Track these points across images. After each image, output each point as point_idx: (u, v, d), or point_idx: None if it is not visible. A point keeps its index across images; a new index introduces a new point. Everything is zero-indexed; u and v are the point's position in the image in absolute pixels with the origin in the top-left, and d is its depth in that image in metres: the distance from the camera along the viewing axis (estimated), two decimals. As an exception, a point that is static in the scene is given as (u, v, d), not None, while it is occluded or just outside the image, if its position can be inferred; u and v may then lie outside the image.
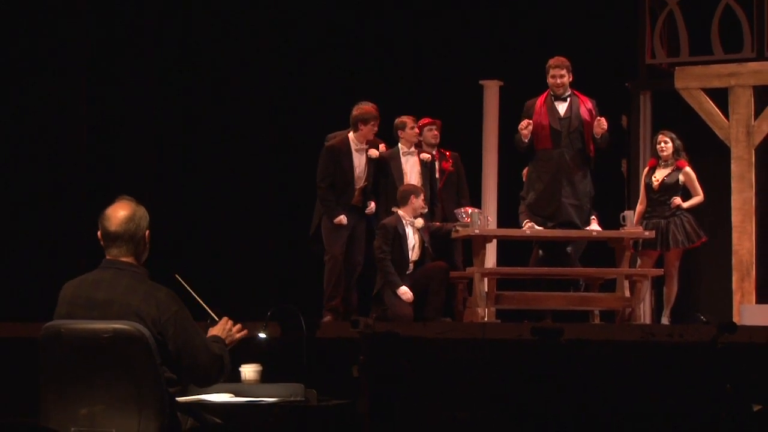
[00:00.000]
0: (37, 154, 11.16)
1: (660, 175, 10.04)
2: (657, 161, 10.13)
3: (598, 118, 9.42)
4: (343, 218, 9.38)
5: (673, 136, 10.13)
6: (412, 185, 9.43)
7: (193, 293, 5.00)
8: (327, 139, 9.67)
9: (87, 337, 4.35)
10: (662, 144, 10.07)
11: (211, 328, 4.80)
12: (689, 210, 10.00)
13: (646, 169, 10.28)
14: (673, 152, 10.04)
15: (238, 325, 4.85)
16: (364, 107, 9.55)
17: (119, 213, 4.56)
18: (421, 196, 9.30)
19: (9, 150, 11.03)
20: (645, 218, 10.01)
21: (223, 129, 11.85)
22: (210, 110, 11.84)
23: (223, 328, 4.79)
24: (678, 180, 9.99)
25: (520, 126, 9.47)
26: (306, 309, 9.14)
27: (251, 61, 12.04)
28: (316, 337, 7.35)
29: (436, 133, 10.05)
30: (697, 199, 10.01)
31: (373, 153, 9.58)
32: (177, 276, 5.03)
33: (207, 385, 4.82)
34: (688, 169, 10.04)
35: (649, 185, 10.07)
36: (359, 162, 9.53)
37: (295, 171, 11.14)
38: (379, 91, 10.44)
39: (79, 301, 4.46)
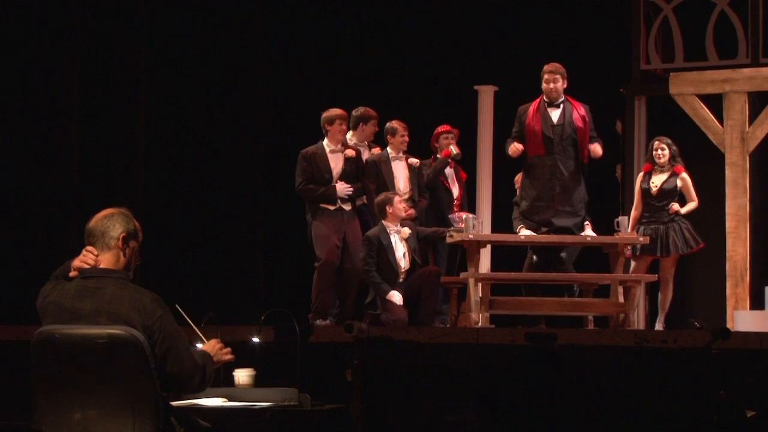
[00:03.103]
0: (29, 158, 11.15)
1: (658, 180, 10.06)
2: (652, 166, 10.13)
3: (594, 146, 9.43)
4: (341, 184, 9.37)
5: (670, 142, 10.14)
6: (383, 195, 9.41)
7: (189, 321, 4.97)
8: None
9: (81, 342, 4.33)
10: (659, 150, 10.08)
11: (201, 346, 4.79)
12: (686, 216, 10.02)
13: (641, 174, 10.28)
14: (669, 158, 10.06)
15: (227, 349, 4.82)
16: (329, 110, 9.59)
17: (101, 213, 4.60)
18: (396, 200, 9.28)
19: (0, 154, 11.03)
20: (642, 223, 10.02)
21: (216, 134, 11.84)
22: (204, 116, 11.83)
23: (212, 347, 4.77)
24: (676, 186, 10.01)
25: (510, 150, 9.49)
26: (299, 313, 9.16)
27: (243, 67, 12.04)
28: (310, 342, 7.34)
29: (451, 141, 10.17)
30: (693, 204, 10.04)
31: (350, 153, 9.58)
32: (178, 307, 5.00)
33: (188, 393, 4.83)
34: (684, 174, 10.06)
35: (646, 191, 10.07)
36: (335, 164, 9.53)
37: (288, 175, 11.11)
38: (374, 96, 10.45)
39: (65, 315, 4.43)
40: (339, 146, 9.54)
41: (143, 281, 4.72)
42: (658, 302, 10.20)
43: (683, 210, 9.99)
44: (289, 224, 10.27)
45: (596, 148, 9.49)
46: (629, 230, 9.75)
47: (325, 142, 9.54)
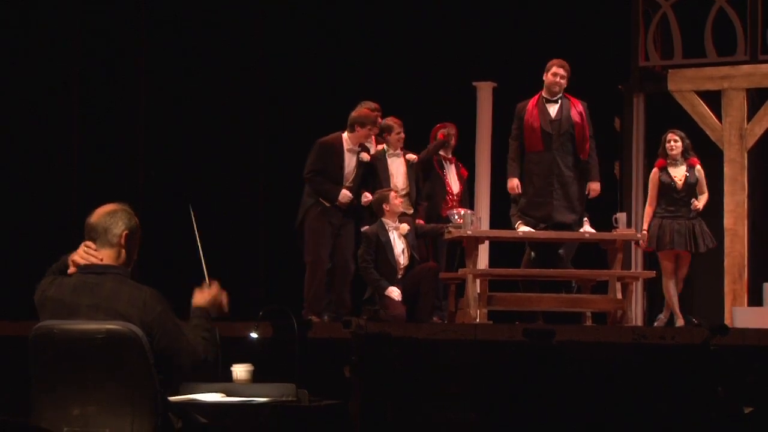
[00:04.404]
0: (29, 156, 11.16)
1: (679, 173, 9.89)
2: (666, 161, 9.96)
3: (594, 186, 9.49)
4: (346, 192, 9.34)
5: (683, 135, 10.01)
6: (378, 193, 9.41)
7: (198, 244, 4.87)
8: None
9: (80, 337, 4.32)
10: (672, 142, 9.91)
11: (197, 293, 4.65)
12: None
13: (656, 170, 10.06)
14: (683, 151, 9.91)
15: (224, 296, 4.67)
16: (364, 110, 9.55)
17: (103, 208, 4.55)
18: (391, 196, 9.30)
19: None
20: (665, 218, 9.84)
21: (216, 132, 11.83)
22: (203, 115, 11.82)
23: (208, 298, 4.62)
24: (697, 179, 9.90)
25: (509, 187, 9.51)
26: (298, 309, 9.15)
27: (243, 67, 12.03)
28: (308, 337, 7.34)
29: (450, 130, 10.19)
30: (706, 197, 9.94)
31: (365, 156, 9.57)
32: (191, 209, 4.94)
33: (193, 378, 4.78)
34: (699, 167, 9.92)
35: (669, 185, 9.86)
36: (350, 162, 9.51)
37: (288, 169, 11.13)
38: (372, 92, 10.43)
39: (63, 310, 4.41)
40: (357, 147, 9.52)
41: (142, 278, 4.70)
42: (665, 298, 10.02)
43: (701, 206, 9.86)
44: (288, 221, 10.24)
45: (596, 187, 9.55)
46: (645, 225, 9.71)
47: (345, 137, 9.49)
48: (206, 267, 4.77)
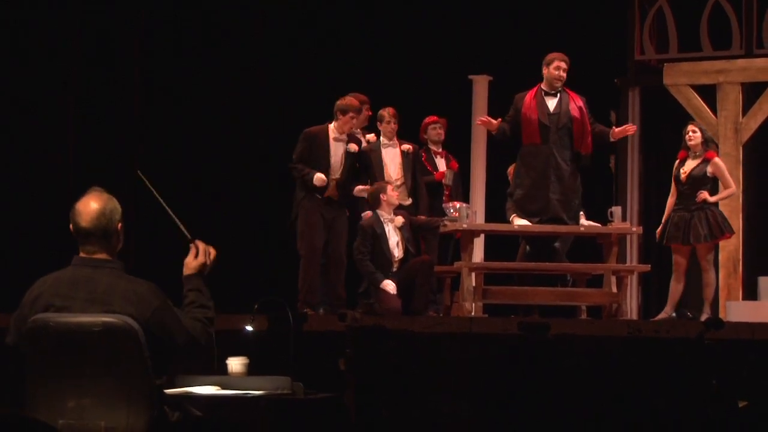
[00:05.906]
0: (25, 152, 11.16)
1: (688, 166, 9.69)
2: (687, 153, 9.81)
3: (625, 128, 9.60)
4: (321, 176, 9.31)
5: (703, 127, 9.89)
6: (376, 184, 9.40)
7: (161, 201, 4.75)
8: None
9: (76, 330, 4.32)
10: (690, 133, 9.66)
11: (186, 262, 4.61)
12: (717, 203, 9.76)
13: (677, 161, 9.96)
14: (701, 142, 9.71)
15: (212, 251, 4.63)
16: (347, 98, 9.55)
17: (90, 208, 4.46)
18: (389, 188, 9.28)
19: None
20: (674, 210, 9.74)
21: (212, 126, 11.83)
22: (200, 109, 11.81)
23: (197, 264, 4.59)
24: (706, 172, 9.68)
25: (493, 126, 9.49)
26: (293, 302, 9.16)
27: (241, 65, 12.03)
28: (304, 330, 7.35)
29: (440, 131, 10.20)
30: (728, 191, 9.65)
31: (353, 147, 9.56)
32: (139, 174, 4.87)
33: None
34: (717, 159, 9.62)
35: (677, 177, 9.77)
36: (335, 152, 9.48)
37: (285, 165, 11.14)
38: (368, 85, 10.44)
39: (57, 302, 4.41)
40: (343, 136, 9.52)
41: (140, 270, 4.70)
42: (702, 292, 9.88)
43: (713, 198, 9.61)
44: (283, 214, 10.26)
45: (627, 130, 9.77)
46: (664, 217, 9.61)
47: (332, 127, 9.50)
48: (183, 227, 4.67)
